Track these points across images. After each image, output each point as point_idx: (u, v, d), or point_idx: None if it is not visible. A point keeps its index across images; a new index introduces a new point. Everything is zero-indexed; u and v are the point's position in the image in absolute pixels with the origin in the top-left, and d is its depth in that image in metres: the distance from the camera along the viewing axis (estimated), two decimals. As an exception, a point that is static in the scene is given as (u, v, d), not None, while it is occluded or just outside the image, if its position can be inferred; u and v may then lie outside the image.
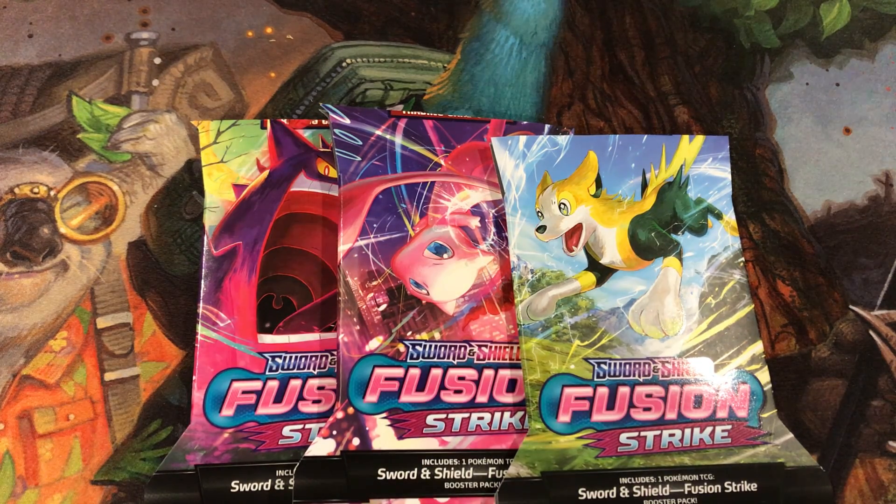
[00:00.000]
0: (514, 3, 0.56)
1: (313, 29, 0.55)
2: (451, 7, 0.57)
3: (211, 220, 0.45)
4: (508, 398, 0.42)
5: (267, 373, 0.42)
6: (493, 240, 0.46)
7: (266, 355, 0.43)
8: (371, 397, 0.41)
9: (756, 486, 0.41)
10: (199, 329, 0.43)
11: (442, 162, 0.47)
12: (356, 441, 0.40)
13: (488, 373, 0.43)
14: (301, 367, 0.43)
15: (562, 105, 0.54)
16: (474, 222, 0.46)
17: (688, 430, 0.42)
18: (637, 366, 0.43)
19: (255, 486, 0.40)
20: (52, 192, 0.49)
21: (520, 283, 0.43)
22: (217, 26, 0.55)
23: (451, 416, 0.41)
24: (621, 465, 0.41)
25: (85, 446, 0.43)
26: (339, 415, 0.41)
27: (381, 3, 0.56)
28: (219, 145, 0.47)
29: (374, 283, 0.43)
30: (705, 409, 0.43)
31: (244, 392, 0.42)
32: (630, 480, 0.40)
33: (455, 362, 0.43)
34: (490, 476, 0.41)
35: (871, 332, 0.49)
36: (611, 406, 0.42)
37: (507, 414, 0.42)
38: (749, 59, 0.56)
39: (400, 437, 0.41)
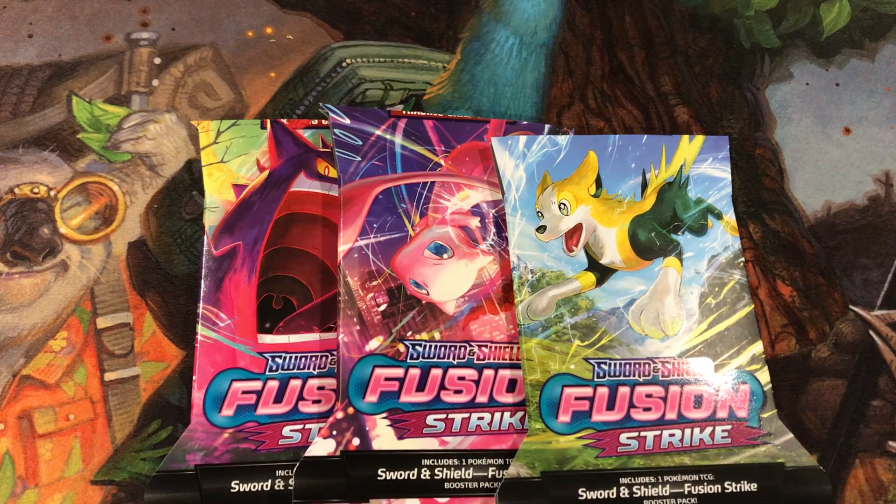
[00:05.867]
0: (514, 3, 0.56)
1: (313, 29, 0.55)
2: (451, 7, 0.57)
3: (211, 220, 0.45)
4: (508, 398, 0.42)
5: (267, 373, 0.42)
6: (493, 240, 0.46)
7: (266, 355, 0.43)
8: (371, 397, 0.41)
9: (756, 486, 0.41)
10: (199, 329, 0.43)
11: (442, 162, 0.47)
12: (356, 441, 0.40)
13: (488, 373, 0.43)
14: (301, 367, 0.43)
15: (562, 105, 0.54)
16: (474, 222, 0.46)
17: (688, 431, 0.42)
18: (637, 366, 0.43)
19: (255, 486, 0.40)
20: (52, 192, 0.49)
21: (520, 283, 0.43)
22: (217, 26, 0.55)
23: (451, 416, 0.41)
24: (621, 465, 0.41)
25: (85, 446, 0.43)
26: (339, 415, 0.41)
27: (381, 3, 0.56)
28: (219, 145, 0.47)
29: (374, 283, 0.43)
30: (705, 409, 0.43)
31: (244, 392, 0.42)
32: (630, 480, 0.40)
33: (455, 362, 0.43)
34: (490, 476, 0.41)
35: (871, 332, 0.49)
36: (611, 406, 0.42)
37: (507, 414, 0.42)
38: (749, 59, 0.56)
39: (400, 438, 0.41)
